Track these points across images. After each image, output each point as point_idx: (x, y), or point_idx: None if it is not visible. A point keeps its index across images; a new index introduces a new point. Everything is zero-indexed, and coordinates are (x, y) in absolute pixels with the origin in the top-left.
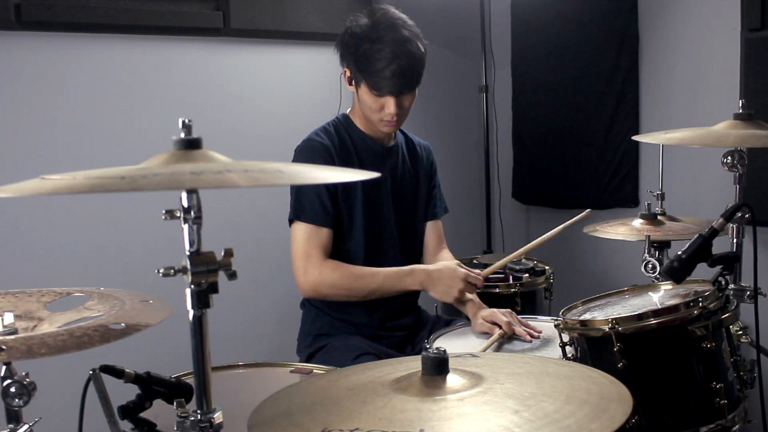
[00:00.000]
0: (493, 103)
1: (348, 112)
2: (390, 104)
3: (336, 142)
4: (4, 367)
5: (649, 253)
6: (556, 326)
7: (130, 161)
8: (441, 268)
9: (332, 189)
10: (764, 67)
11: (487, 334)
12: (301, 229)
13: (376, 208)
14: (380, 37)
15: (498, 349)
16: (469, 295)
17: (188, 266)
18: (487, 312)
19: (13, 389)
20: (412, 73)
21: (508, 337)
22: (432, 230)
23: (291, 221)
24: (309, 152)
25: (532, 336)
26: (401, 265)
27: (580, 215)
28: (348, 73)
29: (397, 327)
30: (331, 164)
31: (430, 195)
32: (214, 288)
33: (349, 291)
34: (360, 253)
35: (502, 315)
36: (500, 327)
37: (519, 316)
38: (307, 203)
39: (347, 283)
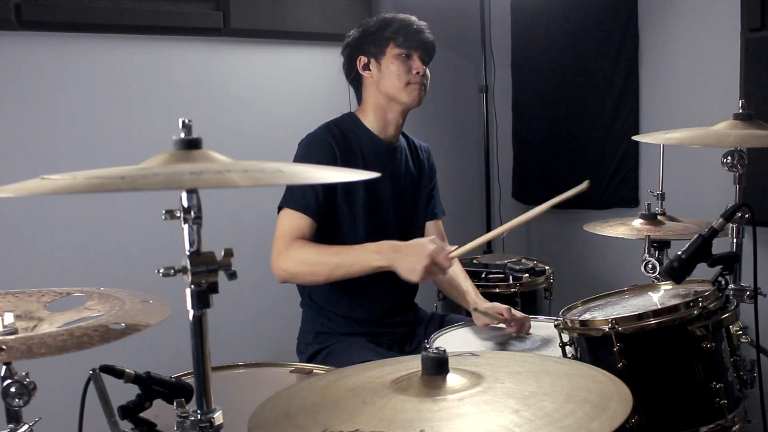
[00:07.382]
0: (493, 103)
1: (356, 111)
2: (417, 61)
3: (340, 139)
4: (4, 367)
5: (649, 253)
6: (556, 326)
7: (130, 161)
8: (411, 243)
9: (331, 187)
10: (764, 67)
11: (488, 326)
12: (287, 215)
13: (378, 206)
14: (387, 18)
15: (502, 343)
16: (456, 267)
17: (188, 266)
18: (488, 305)
19: (13, 389)
20: (426, 33)
21: (511, 322)
22: (433, 229)
23: (280, 208)
24: (312, 148)
25: (524, 329)
26: None
27: (578, 187)
28: (363, 61)
29: (397, 323)
30: (333, 162)
31: (430, 196)
32: (214, 288)
33: (314, 267)
34: None
35: (501, 305)
36: (501, 314)
37: None
38: (299, 192)
39: (312, 258)
